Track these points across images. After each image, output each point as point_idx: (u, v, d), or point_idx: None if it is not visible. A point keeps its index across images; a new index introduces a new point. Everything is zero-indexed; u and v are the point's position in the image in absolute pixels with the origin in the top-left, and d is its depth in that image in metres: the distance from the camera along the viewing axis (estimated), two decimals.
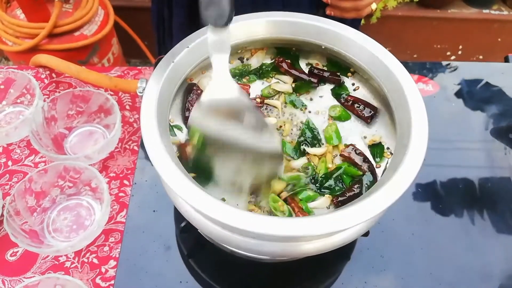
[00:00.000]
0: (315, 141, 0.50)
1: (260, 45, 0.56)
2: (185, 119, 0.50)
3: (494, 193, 0.65)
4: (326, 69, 0.56)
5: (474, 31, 1.74)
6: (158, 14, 0.86)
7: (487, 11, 1.71)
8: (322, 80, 0.55)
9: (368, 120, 0.51)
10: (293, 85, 0.55)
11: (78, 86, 0.76)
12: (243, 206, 0.45)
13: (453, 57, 1.87)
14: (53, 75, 0.78)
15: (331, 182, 0.47)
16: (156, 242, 0.58)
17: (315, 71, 0.55)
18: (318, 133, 0.50)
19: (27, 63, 0.79)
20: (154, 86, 0.45)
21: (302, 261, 0.55)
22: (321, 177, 0.47)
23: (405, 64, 0.48)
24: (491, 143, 0.72)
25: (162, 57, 0.48)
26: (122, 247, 0.58)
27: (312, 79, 0.54)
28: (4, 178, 0.65)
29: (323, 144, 0.50)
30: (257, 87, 0.55)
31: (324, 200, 0.45)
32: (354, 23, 0.83)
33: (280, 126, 0.51)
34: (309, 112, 0.53)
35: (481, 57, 1.87)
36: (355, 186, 0.45)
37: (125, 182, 0.65)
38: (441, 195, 0.65)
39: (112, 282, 0.55)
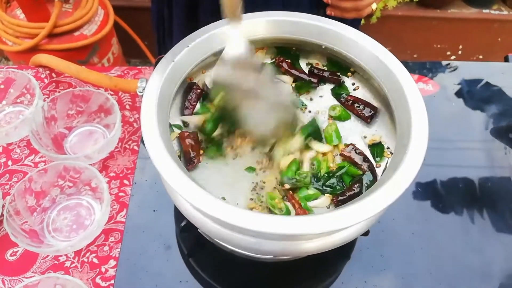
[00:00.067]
0: (318, 139, 0.50)
1: (260, 44, 0.56)
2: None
3: (494, 192, 0.65)
4: (326, 69, 0.56)
5: (474, 31, 1.74)
6: (158, 14, 0.86)
7: (487, 11, 1.71)
8: (322, 80, 0.55)
9: (368, 120, 0.51)
10: (293, 85, 0.55)
11: (78, 86, 0.76)
12: (243, 205, 0.45)
13: (453, 57, 1.87)
14: (53, 75, 0.78)
15: (333, 180, 0.47)
16: (156, 242, 0.58)
17: (315, 71, 0.55)
18: (321, 132, 0.51)
19: (27, 63, 0.79)
20: (154, 85, 0.45)
21: (302, 261, 0.55)
22: (325, 174, 0.47)
23: (405, 64, 0.48)
24: (491, 143, 0.72)
25: (162, 57, 0.48)
26: (122, 246, 0.58)
27: (312, 79, 0.54)
28: (4, 177, 0.65)
29: (324, 143, 0.50)
30: None
31: (324, 200, 0.45)
32: (354, 23, 0.83)
33: None
34: (309, 112, 0.53)
35: (481, 57, 1.87)
36: (355, 186, 0.45)
37: (125, 181, 0.65)
38: (441, 194, 0.65)
39: (112, 281, 0.55)
